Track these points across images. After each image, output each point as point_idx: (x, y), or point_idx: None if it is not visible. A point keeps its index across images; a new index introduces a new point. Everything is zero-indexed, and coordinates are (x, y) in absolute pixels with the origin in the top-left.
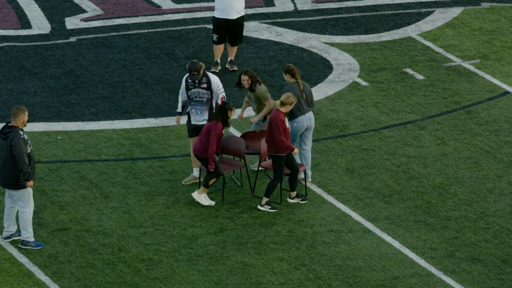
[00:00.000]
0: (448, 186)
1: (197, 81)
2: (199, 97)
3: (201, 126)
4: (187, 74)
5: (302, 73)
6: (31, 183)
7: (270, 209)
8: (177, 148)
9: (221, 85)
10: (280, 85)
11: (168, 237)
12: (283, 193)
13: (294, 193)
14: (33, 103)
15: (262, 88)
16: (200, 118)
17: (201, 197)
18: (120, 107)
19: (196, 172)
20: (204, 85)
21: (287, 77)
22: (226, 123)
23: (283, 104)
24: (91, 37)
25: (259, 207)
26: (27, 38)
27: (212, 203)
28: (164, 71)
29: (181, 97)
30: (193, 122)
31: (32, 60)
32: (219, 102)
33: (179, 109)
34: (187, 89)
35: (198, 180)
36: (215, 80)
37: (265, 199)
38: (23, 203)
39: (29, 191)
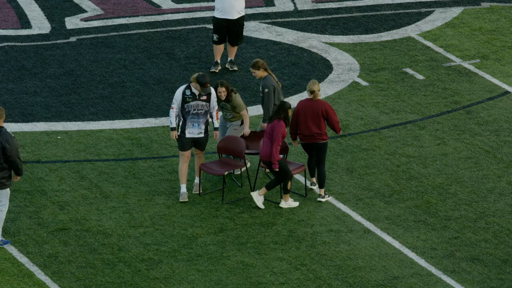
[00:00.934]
0: (448, 186)
1: (198, 93)
2: (198, 110)
3: (197, 139)
4: (183, 87)
5: (302, 73)
6: (18, 178)
7: (328, 197)
8: (176, 148)
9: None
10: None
11: (168, 237)
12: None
13: (323, 190)
14: (33, 103)
15: (238, 97)
16: (198, 130)
17: (260, 199)
18: (120, 107)
19: (184, 188)
20: (204, 97)
21: (260, 72)
22: (287, 121)
23: (318, 90)
24: (91, 37)
25: (320, 199)
26: (27, 38)
27: (262, 207)
28: (164, 71)
29: (176, 110)
30: (188, 136)
31: (32, 60)
32: (214, 114)
33: (174, 124)
34: (185, 102)
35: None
36: (214, 92)
37: (322, 191)
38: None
39: (7, 191)
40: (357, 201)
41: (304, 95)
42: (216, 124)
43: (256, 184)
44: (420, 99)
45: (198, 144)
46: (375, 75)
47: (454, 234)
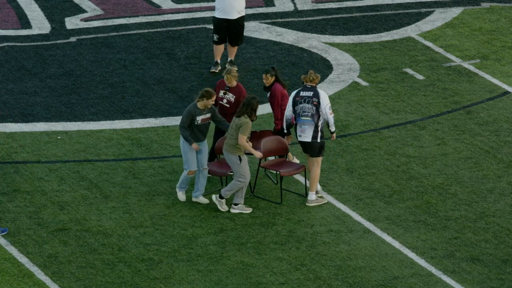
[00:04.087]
0: (448, 186)
1: None
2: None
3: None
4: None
5: (302, 73)
6: None
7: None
8: (177, 148)
9: None
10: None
11: (168, 237)
12: (283, 193)
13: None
14: (33, 103)
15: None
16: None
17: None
18: (120, 107)
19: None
20: None
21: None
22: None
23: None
24: (91, 37)
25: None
26: (27, 38)
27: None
28: (164, 71)
29: None
30: None
31: (32, 60)
32: None
33: None
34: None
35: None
36: None
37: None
38: None
39: None
40: (357, 201)
41: None
42: None
43: (256, 184)
44: (420, 99)
45: None
46: (375, 75)
47: (454, 234)
